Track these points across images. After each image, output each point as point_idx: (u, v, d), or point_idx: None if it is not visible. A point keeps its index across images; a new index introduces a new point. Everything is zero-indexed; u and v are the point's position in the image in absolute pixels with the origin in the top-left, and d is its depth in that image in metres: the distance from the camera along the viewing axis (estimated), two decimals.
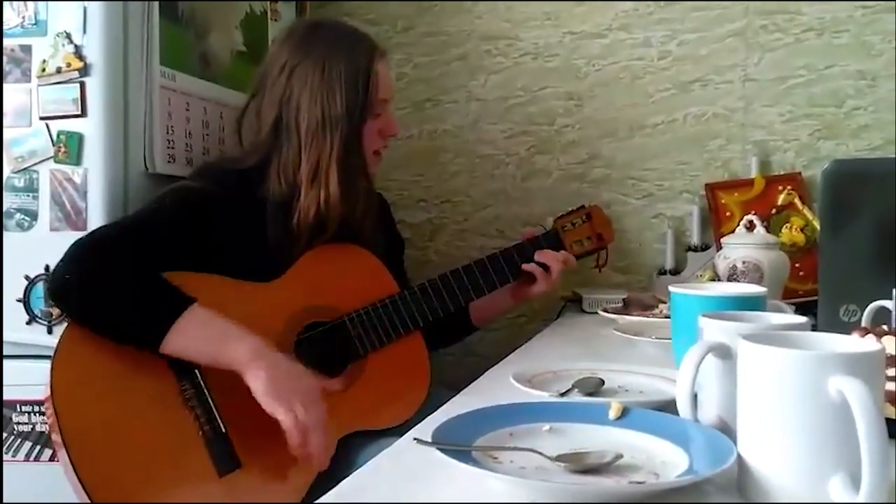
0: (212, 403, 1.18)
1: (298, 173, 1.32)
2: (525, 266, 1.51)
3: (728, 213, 1.91)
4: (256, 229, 1.31)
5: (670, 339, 1.12)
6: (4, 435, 1.36)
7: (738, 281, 1.49)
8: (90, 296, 1.14)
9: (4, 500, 1.31)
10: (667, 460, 0.68)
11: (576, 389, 0.92)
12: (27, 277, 1.35)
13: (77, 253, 1.15)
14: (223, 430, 1.18)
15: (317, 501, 0.64)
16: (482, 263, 1.49)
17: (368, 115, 1.37)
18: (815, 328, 0.76)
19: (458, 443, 0.68)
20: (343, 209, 1.34)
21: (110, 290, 1.14)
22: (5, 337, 1.36)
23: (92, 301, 1.14)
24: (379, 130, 1.42)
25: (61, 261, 1.14)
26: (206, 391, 1.19)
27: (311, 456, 1.12)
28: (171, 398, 1.17)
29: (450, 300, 1.44)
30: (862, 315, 0.97)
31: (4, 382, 1.34)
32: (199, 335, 1.15)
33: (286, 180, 1.33)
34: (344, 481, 0.69)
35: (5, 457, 1.36)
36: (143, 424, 1.15)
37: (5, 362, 1.35)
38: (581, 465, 0.66)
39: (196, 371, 1.19)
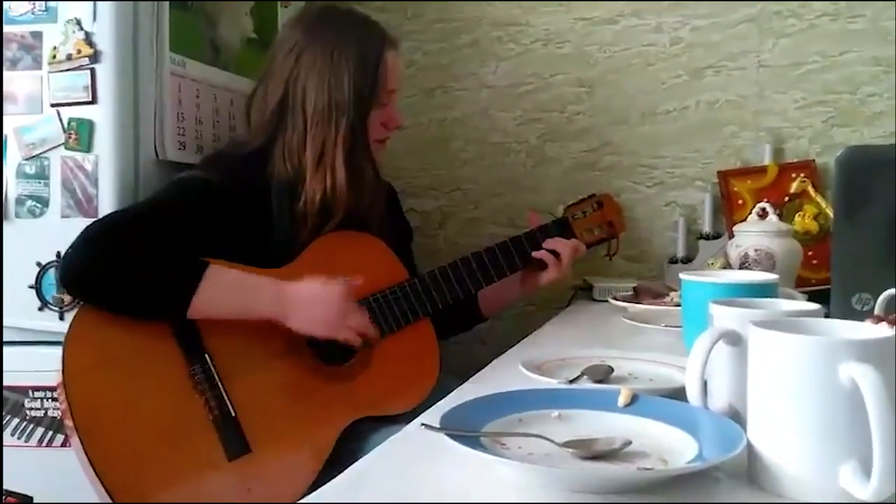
0: (222, 388, 1.19)
1: (304, 156, 1.33)
2: (536, 253, 1.51)
3: (740, 201, 1.89)
4: (264, 216, 1.31)
5: (680, 327, 1.11)
6: (17, 421, 1.37)
7: (751, 269, 1.48)
8: (107, 278, 1.15)
9: (18, 486, 1.33)
10: (676, 447, 0.67)
11: (585, 376, 0.92)
12: (39, 264, 1.36)
13: (89, 238, 1.15)
14: (233, 414, 1.19)
15: (325, 486, 0.64)
16: (492, 251, 1.49)
17: (375, 104, 1.37)
18: (827, 317, 0.76)
19: (466, 428, 0.67)
20: (350, 197, 1.34)
21: (127, 269, 1.15)
22: (17, 323, 1.36)
23: (109, 283, 1.15)
24: (383, 122, 1.42)
25: (72, 247, 1.15)
26: (216, 375, 1.19)
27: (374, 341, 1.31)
28: (181, 382, 1.17)
29: (459, 287, 1.44)
30: (875, 303, 0.96)
31: (16, 368, 1.35)
32: (224, 293, 1.19)
33: (291, 163, 1.33)
34: (351, 467, 0.69)
35: (18, 442, 1.37)
36: (154, 409, 1.16)
37: (17, 348, 1.36)
38: (589, 451, 0.66)
39: (206, 355, 1.19)
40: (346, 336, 1.26)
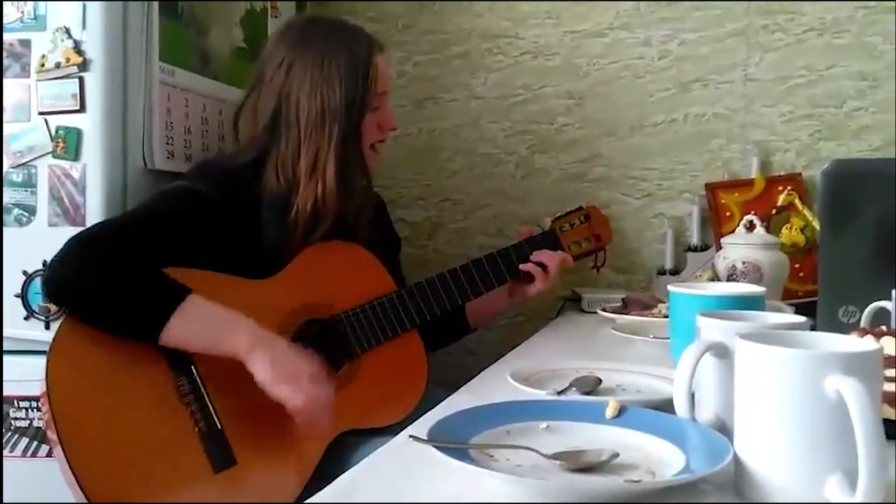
0: (208, 400, 1.18)
1: (297, 168, 1.32)
2: (523, 266, 1.51)
3: (728, 214, 1.90)
4: (252, 228, 1.31)
5: (668, 338, 1.12)
6: (2, 430, 1.36)
7: (738, 281, 1.49)
8: (87, 291, 1.13)
9: (3, 497, 1.31)
10: (663, 459, 0.67)
11: (573, 388, 0.92)
12: (25, 273, 1.35)
13: (73, 249, 1.14)
14: (219, 426, 1.18)
15: (312, 499, 0.64)
16: (479, 263, 1.49)
17: (368, 109, 1.37)
18: (814, 329, 0.76)
19: (454, 440, 0.67)
20: (339, 204, 1.33)
21: (107, 284, 1.14)
22: (3, 332, 1.35)
23: (88, 296, 1.13)
24: (378, 125, 1.42)
25: (56, 257, 1.14)
26: (202, 387, 1.18)
27: (317, 433, 1.20)
28: (167, 394, 1.16)
29: (447, 299, 1.44)
30: (861, 316, 0.97)
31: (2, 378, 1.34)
32: (198, 325, 1.15)
33: (284, 176, 1.33)
34: (339, 478, 0.68)
35: (3, 453, 1.35)
36: (139, 420, 1.14)
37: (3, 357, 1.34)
38: (577, 463, 0.66)
39: (192, 367, 1.18)
40: (297, 402, 1.14)
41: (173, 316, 1.12)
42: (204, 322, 1.16)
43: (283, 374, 1.14)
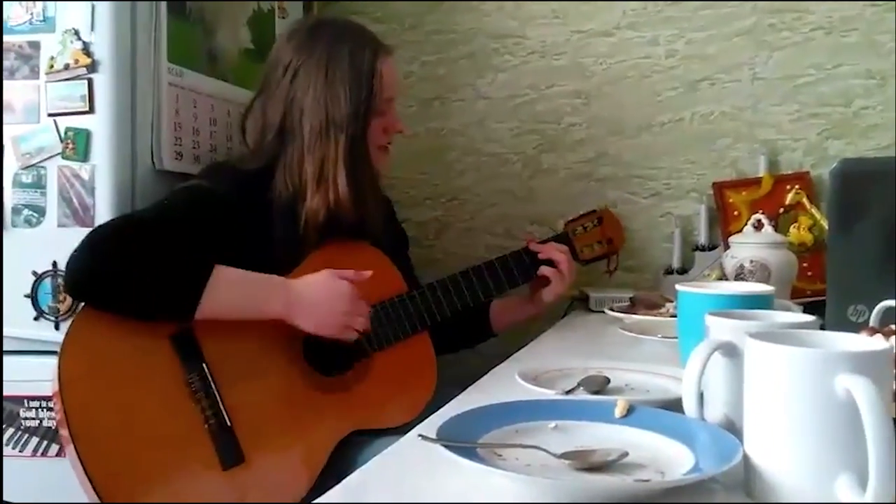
0: (218, 397, 1.19)
1: (303, 175, 1.32)
2: (540, 270, 1.50)
3: (736, 213, 1.90)
4: (265, 231, 1.31)
5: (677, 338, 1.12)
6: (12, 430, 1.37)
7: (746, 280, 1.48)
8: (113, 279, 1.14)
9: (12, 497, 1.32)
10: (672, 458, 0.67)
11: (581, 387, 0.92)
12: (35, 273, 1.36)
13: (95, 241, 1.15)
14: (228, 423, 1.18)
15: (321, 498, 0.64)
16: (492, 265, 1.49)
17: (373, 116, 1.36)
18: (823, 328, 0.76)
19: (463, 440, 0.67)
20: (353, 210, 1.33)
21: (134, 270, 1.14)
22: (13, 333, 1.36)
23: (116, 283, 1.14)
24: (384, 128, 1.42)
25: (77, 250, 1.14)
26: (212, 384, 1.19)
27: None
28: (177, 391, 1.17)
29: (459, 301, 1.44)
30: (870, 315, 0.97)
31: (11, 378, 1.34)
32: (231, 294, 1.19)
33: (292, 183, 1.33)
34: (348, 478, 0.69)
35: (13, 452, 1.36)
36: (150, 417, 1.15)
37: (12, 358, 1.35)
38: (586, 462, 0.66)
39: (203, 364, 1.19)
40: (348, 337, 1.28)
41: (205, 291, 1.15)
42: (236, 291, 1.20)
43: (329, 324, 1.24)
